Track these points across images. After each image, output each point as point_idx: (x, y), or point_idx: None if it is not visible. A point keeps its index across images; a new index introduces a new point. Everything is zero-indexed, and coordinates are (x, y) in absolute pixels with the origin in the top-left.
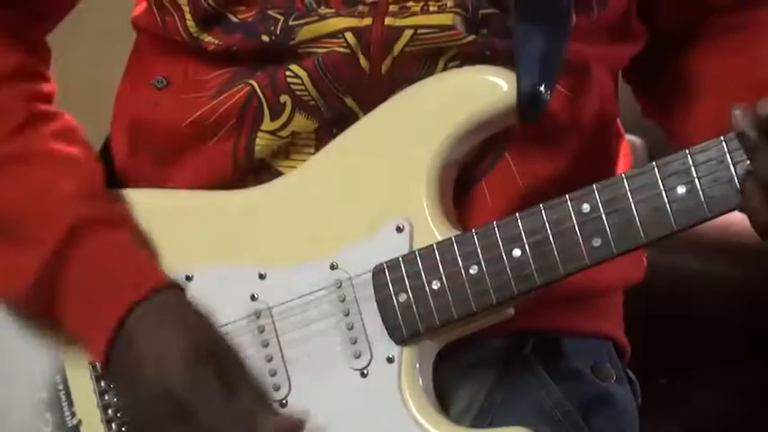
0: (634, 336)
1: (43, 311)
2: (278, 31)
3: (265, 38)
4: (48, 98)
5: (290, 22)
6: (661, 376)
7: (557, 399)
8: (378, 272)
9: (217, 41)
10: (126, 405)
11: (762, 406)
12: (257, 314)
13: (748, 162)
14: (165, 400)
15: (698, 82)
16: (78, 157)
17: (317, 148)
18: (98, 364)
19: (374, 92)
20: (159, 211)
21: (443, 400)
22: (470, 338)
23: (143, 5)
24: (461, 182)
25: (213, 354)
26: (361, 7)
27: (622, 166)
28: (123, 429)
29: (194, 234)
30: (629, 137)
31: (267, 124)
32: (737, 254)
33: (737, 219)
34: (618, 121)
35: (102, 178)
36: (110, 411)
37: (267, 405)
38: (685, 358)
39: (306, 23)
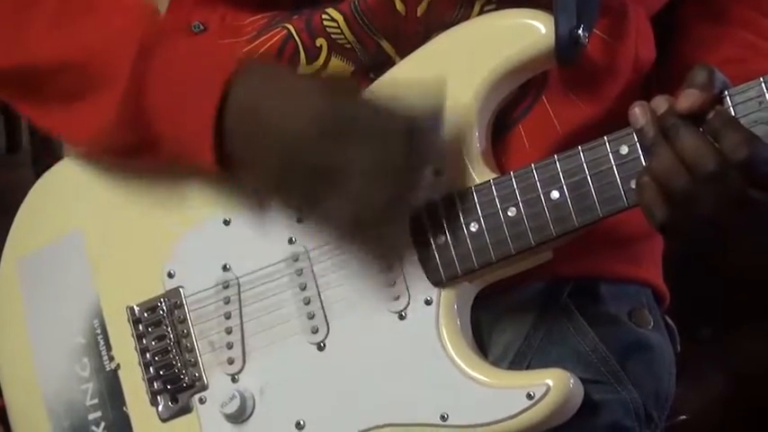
0: (676, 282)
1: (137, 141)
2: None
3: None
4: None
5: None
6: (705, 327)
7: (593, 344)
8: (415, 216)
9: None
10: (267, 183)
11: None
12: (295, 257)
13: None
14: (313, 131)
15: (679, 42)
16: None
17: None
18: (208, 155)
19: (410, 35)
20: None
21: (481, 343)
22: (508, 283)
23: None
24: (499, 127)
25: (337, 79)
26: None
27: None
28: (161, 372)
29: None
30: None
31: (303, 68)
32: None
33: None
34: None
35: (158, 18)
36: (147, 355)
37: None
38: (733, 307)
39: None
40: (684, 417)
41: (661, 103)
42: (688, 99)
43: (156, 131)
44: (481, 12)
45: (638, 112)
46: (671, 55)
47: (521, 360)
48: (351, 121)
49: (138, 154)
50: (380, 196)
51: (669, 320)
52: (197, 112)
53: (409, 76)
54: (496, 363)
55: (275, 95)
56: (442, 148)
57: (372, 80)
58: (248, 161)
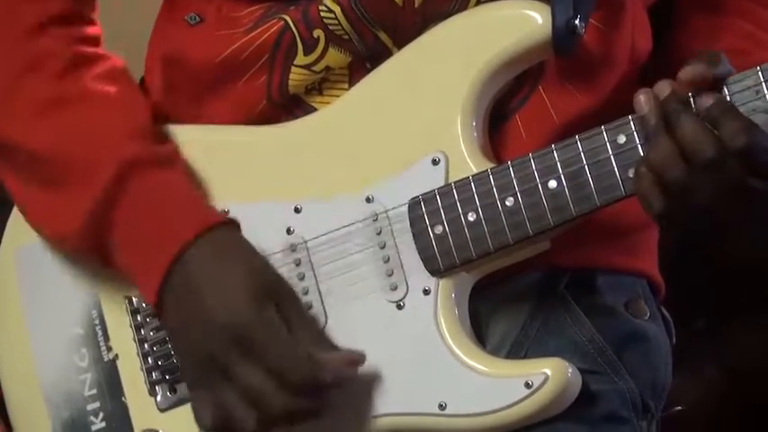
0: (672, 274)
1: (95, 250)
2: None
3: None
4: (94, 41)
5: None
6: (699, 319)
7: (590, 334)
8: (413, 204)
9: None
10: (179, 344)
11: None
12: (293, 248)
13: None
14: (226, 333)
15: (678, 33)
16: (124, 97)
17: (351, 84)
18: (150, 300)
19: (407, 26)
20: (194, 146)
21: (478, 333)
22: (505, 273)
23: None
24: (496, 117)
25: (276, 290)
26: None
27: None
28: (159, 363)
29: (229, 169)
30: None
31: (301, 59)
32: None
33: None
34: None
35: (149, 117)
36: (146, 345)
37: (326, 340)
38: (727, 299)
39: None
40: (680, 407)
41: (664, 87)
42: (693, 68)
43: (112, 255)
44: (478, 2)
45: (642, 100)
46: (668, 46)
47: (518, 350)
48: (259, 338)
49: (90, 257)
50: (244, 421)
51: (665, 312)
52: (153, 261)
53: (406, 67)
54: (494, 352)
55: (215, 281)
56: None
57: (369, 70)
58: (172, 317)
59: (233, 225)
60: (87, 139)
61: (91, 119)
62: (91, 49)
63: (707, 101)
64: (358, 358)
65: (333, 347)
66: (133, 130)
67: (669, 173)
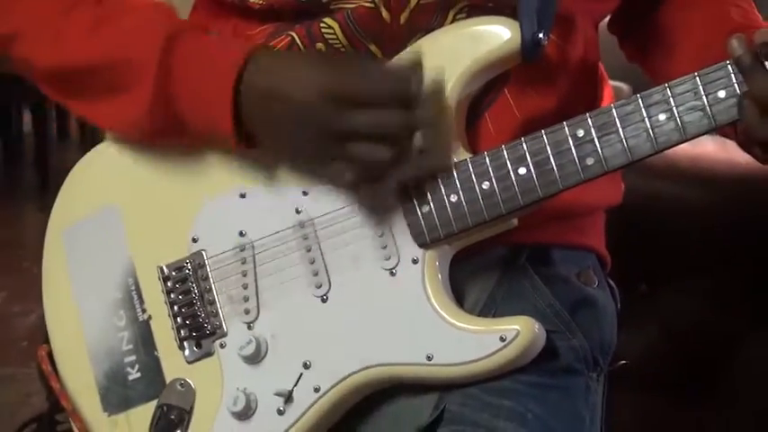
0: (617, 250)
1: (168, 126)
2: None
3: None
4: None
5: None
6: (641, 284)
7: (548, 299)
8: (404, 188)
9: (261, 1)
10: (283, 147)
11: (727, 307)
12: (301, 224)
13: (726, 90)
14: (318, 102)
15: (675, 31)
16: (157, 5)
17: None
18: (235, 141)
19: (394, 40)
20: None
21: (456, 296)
22: (477, 247)
23: None
24: (470, 115)
25: (330, 52)
26: None
27: (606, 103)
28: (187, 322)
29: (246, 159)
30: (616, 83)
31: None
32: (708, 180)
33: (709, 150)
34: (601, 66)
35: (177, 14)
36: (175, 307)
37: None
38: (664, 269)
39: None
40: (624, 362)
41: (762, 35)
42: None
43: (182, 114)
44: (454, 19)
45: (735, 44)
46: (678, 49)
47: (487, 312)
48: (350, 87)
49: (168, 136)
50: (379, 159)
51: (611, 281)
52: (217, 93)
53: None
54: (469, 310)
55: (282, 71)
56: (431, 112)
57: None
58: (263, 131)
59: (270, 47)
60: (134, 39)
61: (134, 24)
62: None
63: None
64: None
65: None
66: (169, 22)
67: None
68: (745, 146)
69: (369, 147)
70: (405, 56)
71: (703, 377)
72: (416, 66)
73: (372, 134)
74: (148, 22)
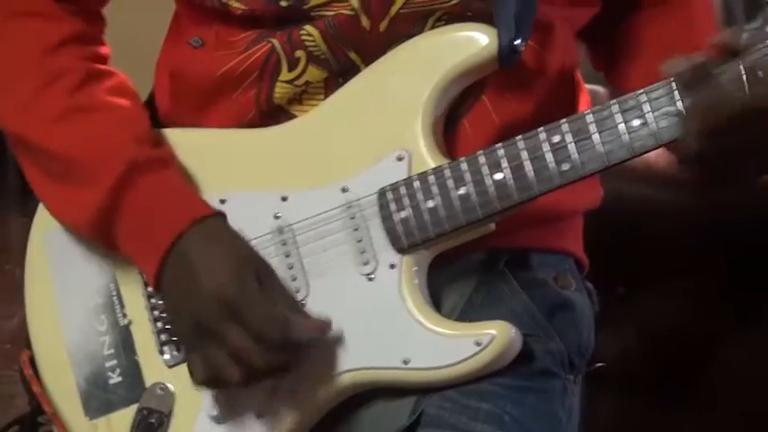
0: (595, 252)
1: (103, 238)
2: None
3: (284, 3)
4: (104, 59)
5: None
6: (620, 286)
7: (525, 303)
8: (381, 194)
9: (243, 7)
10: (175, 314)
11: (705, 308)
12: (280, 230)
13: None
14: (215, 303)
15: (640, 43)
16: (130, 108)
17: (326, 95)
18: (150, 279)
19: (374, 47)
20: (197, 146)
21: (434, 302)
22: (456, 252)
23: None
24: (449, 120)
25: (257, 267)
26: None
27: (582, 108)
28: (167, 327)
29: (226, 165)
30: (594, 87)
31: (285, 75)
32: (685, 183)
33: None
34: (578, 72)
35: (149, 125)
36: (155, 312)
37: (299, 308)
38: (641, 271)
39: None
40: (602, 364)
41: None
42: (721, 35)
43: (117, 243)
44: (434, 26)
45: (675, 63)
46: (635, 61)
47: (464, 317)
48: (243, 308)
49: (96, 240)
50: (232, 376)
51: (589, 284)
52: (150, 249)
53: (374, 80)
54: (447, 314)
55: (204, 260)
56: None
57: (341, 84)
58: (168, 296)
59: (220, 216)
60: (98, 143)
61: (101, 126)
62: (102, 66)
63: (753, 53)
64: (325, 325)
65: (305, 314)
66: (135, 136)
67: (709, 117)
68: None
69: (226, 361)
70: (312, 320)
71: (681, 379)
72: (314, 332)
73: (234, 354)
74: (117, 131)
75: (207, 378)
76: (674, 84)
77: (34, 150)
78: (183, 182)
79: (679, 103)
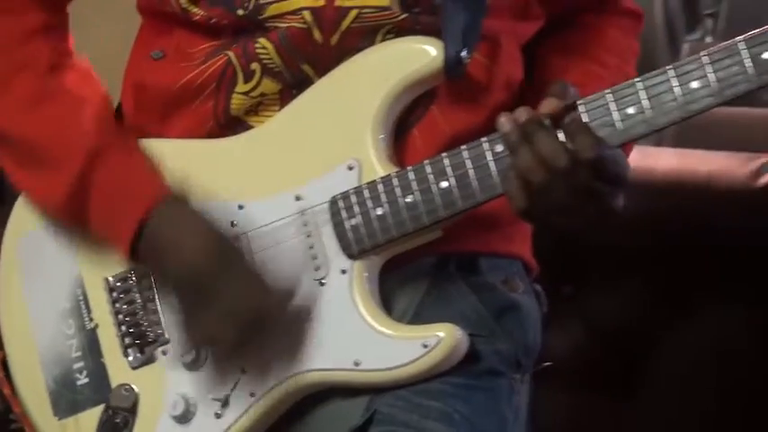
0: (542, 254)
1: (75, 221)
2: (251, 7)
3: (240, 12)
4: (68, 53)
5: (261, 1)
6: (567, 286)
7: (474, 306)
8: (333, 201)
9: (202, 13)
10: (162, 276)
11: (645, 305)
12: (236, 237)
13: (635, 107)
14: (190, 273)
15: (537, 68)
16: (94, 95)
17: (281, 106)
18: (124, 255)
19: (326, 60)
20: (157, 156)
21: (386, 305)
22: (407, 257)
23: None
24: (398, 130)
25: (224, 242)
26: None
27: None
28: (131, 330)
29: (185, 174)
30: None
31: (241, 87)
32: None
33: (629, 160)
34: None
35: (113, 112)
36: (120, 316)
37: (262, 279)
38: (587, 272)
39: (273, 2)
40: (548, 363)
41: (523, 112)
42: (548, 106)
43: (89, 223)
44: (383, 40)
45: (503, 121)
46: (534, 79)
47: (416, 319)
48: (225, 268)
49: (68, 223)
50: (223, 329)
51: (537, 286)
52: (121, 227)
53: (326, 92)
54: (399, 318)
55: (178, 230)
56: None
57: (295, 95)
58: (147, 265)
59: (185, 195)
60: (64, 129)
61: (67, 113)
62: (66, 58)
63: (566, 119)
64: (289, 294)
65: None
66: (101, 123)
67: (531, 176)
68: None
69: (216, 325)
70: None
71: (626, 374)
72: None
73: (226, 311)
74: (84, 119)
75: (205, 335)
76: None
77: (6, 138)
78: (149, 164)
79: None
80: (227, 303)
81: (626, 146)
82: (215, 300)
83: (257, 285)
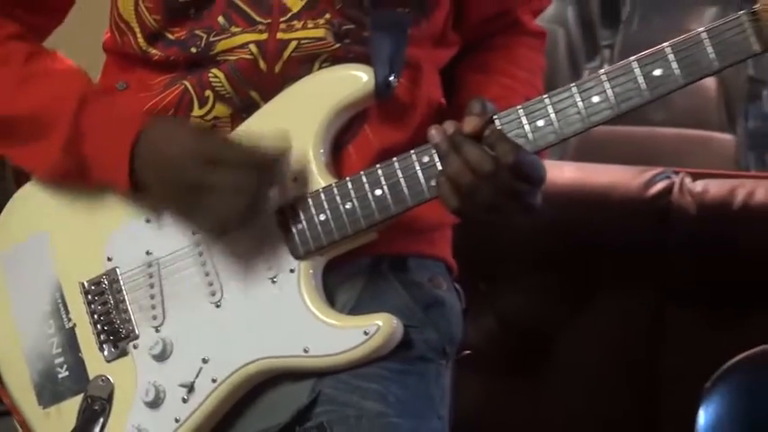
0: (462, 256)
1: (75, 172)
2: (203, 45)
3: (194, 50)
4: (43, 47)
5: (211, 39)
6: (482, 283)
7: (405, 300)
8: (281, 210)
9: (159, 53)
10: (162, 191)
11: (550, 300)
12: (197, 243)
13: (544, 120)
14: (191, 162)
15: (459, 86)
16: (72, 68)
17: (233, 128)
18: (124, 184)
19: (271, 87)
20: None
21: (329, 298)
22: (346, 257)
23: (108, 34)
24: (335, 146)
25: (208, 129)
26: (260, 26)
27: None
28: (105, 328)
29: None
30: None
31: (196, 111)
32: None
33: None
34: (444, 102)
35: (89, 78)
36: (95, 315)
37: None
38: (499, 271)
39: (222, 39)
40: (468, 351)
41: (450, 126)
42: (470, 123)
43: (87, 163)
44: (320, 67)
45: (433, 133)
46: (455, 96)
47: (355, 311)
48: (215, 153)
49: (73, 179)
50: (234, 209)
51: (457, 285)
52: (117, 152)
53: (271, 115)
54: (341, 310)
55: (167, 138)
56: (283, 173)
57: (245, 118)
58: (150, 181)
59: (166, 117)
60: (52, 96)
61: (52, 84)
62: (41, 49)
63: (486, 131)
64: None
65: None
66: (81, 83)
67: (460, 180)
68: None
69: (221, 199)
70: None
71: (534, 361)
72: (270, 141)
73: (225, 188)
74: (66, 84)
75: (215, 223)
76: (432, 150)
77: (2, 121)
78: (129, 101)
79: (439, 165)
80: (227, 183)
81: (541, 152)
82: (214, 187)
83: (248, 164)
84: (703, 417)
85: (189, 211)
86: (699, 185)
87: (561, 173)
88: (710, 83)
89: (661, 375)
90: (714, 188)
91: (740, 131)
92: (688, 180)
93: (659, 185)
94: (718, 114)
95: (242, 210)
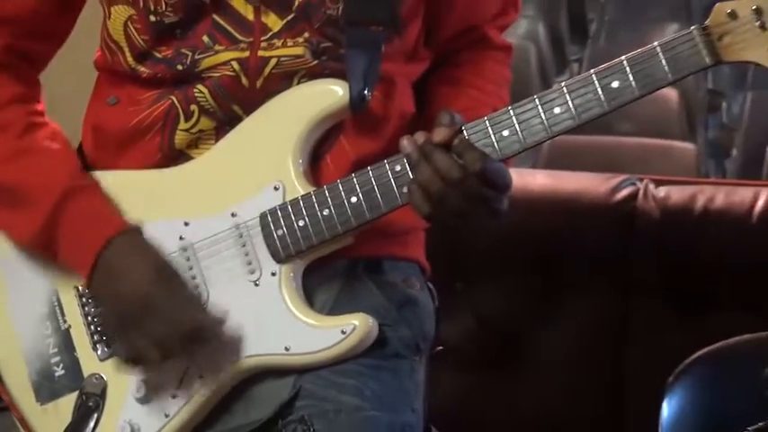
0: (439, 256)
1: (47, 251)
2: (188, 63)
3: (180, 67)
4: (41, 113)
5: (196, 56)
6: (458, 282)
7: (380, 300)
8: (263, 216)
9: (148, 71)
10: (104, 307)
11: (523, 299)
12: (184, 248)
13: (509, 130)
14: (135, 299)
15: (429, 99)
16: (63, 149)
17: (217, 140)
18: (84, 282)
19: (252, 101)
20: (115, 184)
21: (308, 300)
22: (324, 260)
23: (99, 52)
24: (313, 157)
25: (166, 270)
26: (242, 44)
27: None
28: (98, 328)
29: (137, 199)
30: None
31: (183, 125)
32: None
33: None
34: (416, 114)
35: (79, 163)
36: (89, 317)
37: (201, 306)
38: (475, 271)
39: (206, 57)
40: (441, 347)
41: (420, 136)
42: (440, 133)
43: (57, 251)
44: (299, 82)
45: (405, 143)
46: (426, 108)
47: (333, 312)
48: (156, 306)
49: (41, 253)
50: (150, 356)
51: (430, 285)
52: (85, 253)
53: (253, 127)
54: (319, 311)
55: (126, 267)
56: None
57: (228, 131)
58: (99, 292)
59: (138, 230)
60: (39, 176)
61: (42, 164)
62: (39, 119)
63: (454, 141)
64: (220, 320)
65: (205, 310)
66: (68, 170)
67: (430, 188)
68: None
69: (145, 345)
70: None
71: (507, 356)
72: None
73: (151, 337)
74: (55, 170)
75: (130, 357)
76: (404, 159)
77: None
78: (108, 204)
79: (411, 174)
80: (157, 327)
81: (507, 160)
82: (148, 322)
83: (192, 309)
84: (666, 409)
85: (118, 332)
86: (662, 191)
87: (534, 180)
88: (673, 95)
89: (626, 372)
90: (676, 194)
91: (700, 141)
92: (652, 186)
93: (625, 191)
94: (680, 125)
95: (156, 360)
